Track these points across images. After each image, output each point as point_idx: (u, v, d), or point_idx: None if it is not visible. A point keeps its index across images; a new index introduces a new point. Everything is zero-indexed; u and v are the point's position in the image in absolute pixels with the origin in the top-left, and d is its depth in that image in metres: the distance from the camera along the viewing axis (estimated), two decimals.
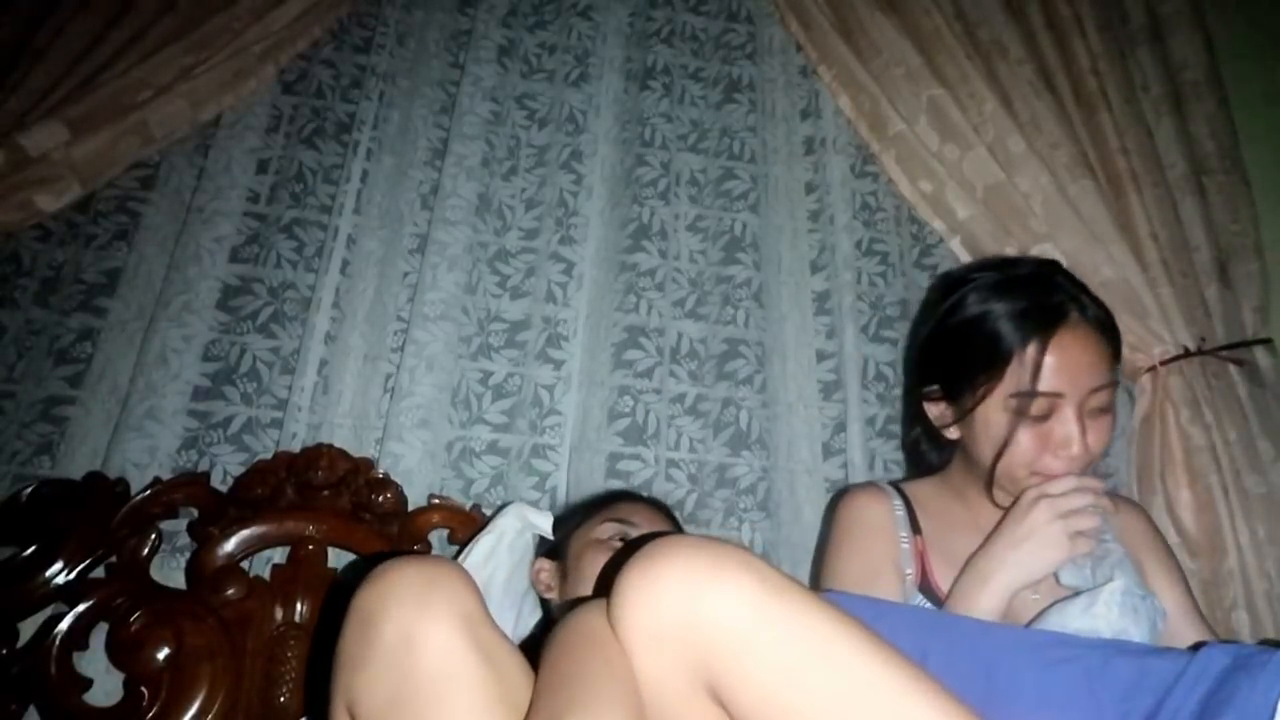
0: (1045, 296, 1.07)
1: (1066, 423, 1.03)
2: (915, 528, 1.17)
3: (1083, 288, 1.11)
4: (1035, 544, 1.01)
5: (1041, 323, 1.05)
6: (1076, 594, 0.99)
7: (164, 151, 1.59)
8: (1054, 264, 1.16)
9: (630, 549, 0.78)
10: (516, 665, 0.76)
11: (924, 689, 0.67)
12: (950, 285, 1.18)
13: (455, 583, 0.77)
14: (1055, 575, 1.02)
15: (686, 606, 0.70)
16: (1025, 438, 1.05)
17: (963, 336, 1.11)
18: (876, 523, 1.17)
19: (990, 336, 1.07)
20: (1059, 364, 1.03)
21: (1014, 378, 1.05)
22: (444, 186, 1.61)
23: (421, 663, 0.72)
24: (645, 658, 0.72)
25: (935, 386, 1.17)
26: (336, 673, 0.77)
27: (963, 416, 1.11)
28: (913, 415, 1.28)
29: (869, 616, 0.72)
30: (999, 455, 1.06)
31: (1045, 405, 1.04)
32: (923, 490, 1.22)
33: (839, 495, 1.29)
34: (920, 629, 0.86)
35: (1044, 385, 1.03)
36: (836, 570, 1.16)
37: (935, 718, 0.65)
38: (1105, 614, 0.95)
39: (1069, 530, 1.00)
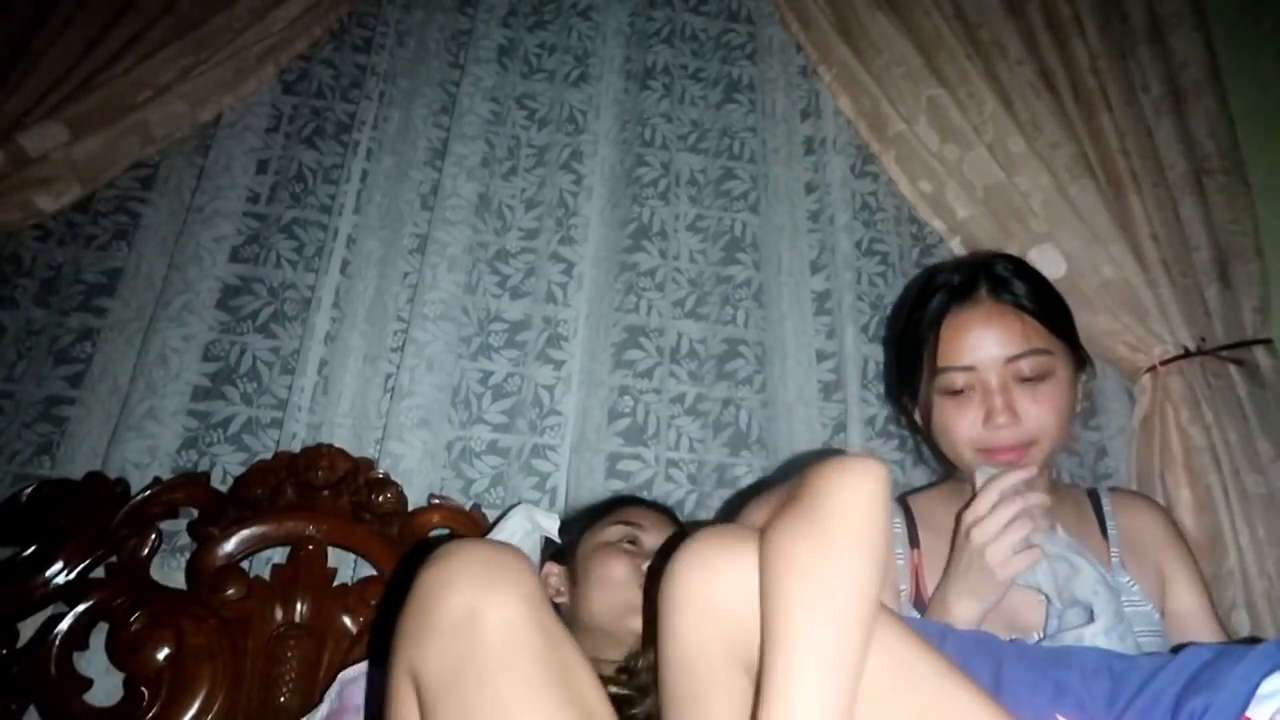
0: (955, 280, 1.11)
1: (988, 395, 1.06)
2: (914, 541, 1.15)
3: (1016, 271, 1.11)
4: (977, 572, 0.99)
5: (945, 303, 1.10)
6: (1063, 632, 0.98)
7: (164, 151, 1.59)
8: (1000, 256, 1.16)
9: (664, 554, 0.82)
10: (576, 651, 0.78)
11: (953, 675, 0.71)
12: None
13: (518, 564, 0.80)
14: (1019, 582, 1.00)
15: (741, 584, 0.73)
16: (957, 417, 1.07)
17: (902, 335, 1.17)
18: None
19: (914, 327, 1.13)
20: (961, 338, 1.07)
21: (930, 361, 1.09)
22: (444, 186, 1.61)
23: (486, 635, 0.74)
24: (689, 623, 0.75)
25: (906, 391, 1.19)
26: (397, 645, 0.79)
27: (924, 414, 1.14)
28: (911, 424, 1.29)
29: None
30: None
31: (962, 380, 1.07)
32: (927, 501, 1.21)
33: None
34: (925, 634, 0.87)
35: (950, 360, 1.07)
36: None
37: (969, 698, 0.69)
38: None
39: (1001, 553, 0.98)
